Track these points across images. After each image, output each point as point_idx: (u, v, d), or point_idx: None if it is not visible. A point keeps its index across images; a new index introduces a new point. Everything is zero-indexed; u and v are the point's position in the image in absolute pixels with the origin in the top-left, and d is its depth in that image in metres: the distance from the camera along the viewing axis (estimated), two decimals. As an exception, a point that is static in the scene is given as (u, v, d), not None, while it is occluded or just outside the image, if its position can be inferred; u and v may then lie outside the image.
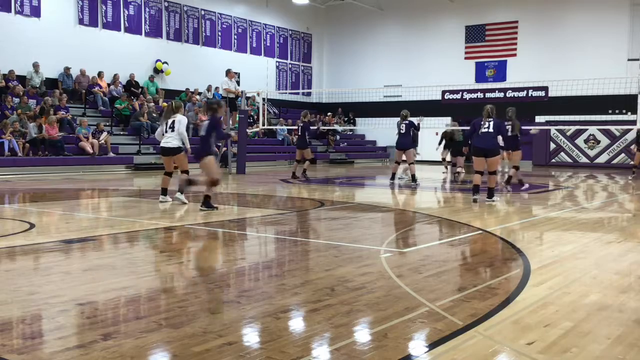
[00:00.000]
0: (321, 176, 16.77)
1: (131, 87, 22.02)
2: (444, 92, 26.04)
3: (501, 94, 25.32)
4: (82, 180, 15.00)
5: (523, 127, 13.47)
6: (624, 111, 22.51)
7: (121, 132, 20.26)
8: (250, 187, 13.47)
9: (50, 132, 17.20)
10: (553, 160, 25.03)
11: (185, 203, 9.56)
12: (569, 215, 9.05)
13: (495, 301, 4.14)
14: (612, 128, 22.80)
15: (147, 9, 23.24)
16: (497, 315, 3.82)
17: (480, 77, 27.00)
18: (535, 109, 24.92)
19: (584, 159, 24.54)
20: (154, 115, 20.82)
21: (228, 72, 17.96)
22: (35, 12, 19.87)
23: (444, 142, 17.86)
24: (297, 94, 29.81)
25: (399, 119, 14.27)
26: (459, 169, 16.52)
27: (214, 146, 9.29)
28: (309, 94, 30.89)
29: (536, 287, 4.54)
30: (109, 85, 21.58)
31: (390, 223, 8.76)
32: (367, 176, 18.70)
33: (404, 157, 14.30)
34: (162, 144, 9.78)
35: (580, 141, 24.74)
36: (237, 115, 18.00)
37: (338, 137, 28.27)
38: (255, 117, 23.17)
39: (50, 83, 20.20)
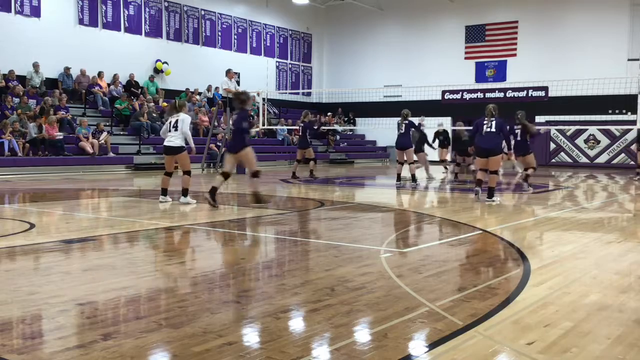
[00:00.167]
0: (321, 176, 16.76)
1: (131, 87, 22.03)
2: (444, 92, 26.04)
3: (501, 94, 25.31)
4: (82, 180, 15.01)
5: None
6: (624, 111, 22.51)
7: (121, 132, 20.27)
8: (251, 187, 13.43)
9: (50, 132, 17.21)
10: (553, 160, 25.03)
11: (188, 203, 9.54)
12: (569, 215, 9.05)
13: (495, 301, 4.14)
14: (612, 128, 22.81)
15: (147, 9, 23.25)
16: (497, 315, 3.82)
17: (480, 77, 27.01)
18: (535, 109, 24.89)
19: (584, 159, 24.55)
20: (154, 115, 20.84)
21: (228, 72, 17.97)
22: (35, 12, 19.88)
23: (437, 141, 17.90)
24: (297, 94, 29.82)
25: (399, 118, 14.25)
26: (472, 167, 16.43)
27: (248, 138, 9.36)
28: (309, 94, 30.89)
29: (536, 287, 4.54)
30: (109, 85, 21.59)
31: (390, 223, 8.75)
32: (367, 176, 18.70)
33: (409, 158, 14.28)
34: (165, 143, 9.70)
35: (580, 141, 24.75)
36: (237, 115, 17.99)
37: (338, 137, 28.28)
38: (255, 117, 23.17)
39: (50, 83, 20.21)
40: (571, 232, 7.36)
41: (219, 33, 26.05)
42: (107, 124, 19.74)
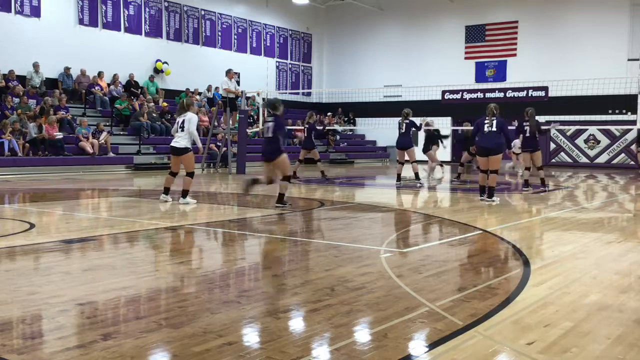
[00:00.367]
0: (321, 176, 16.75)
1: (131, 87, 22.02)
2: (444, 92, 26.03)
3: (501, 94, 25.30)
4: (82, 180, 15.00)
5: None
6: (624, 111, 22.50)
7: (121, 132, 20.27)
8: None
9: (50, 132, 17.21)
10: (553, 160, 25.03)
11: (187, 203, 9.53)
12: (569, 215, 9.05)
13: (495, 301, 4.14)
14: (612, 128, 22.81)
15: (147, 9, 23.24)
16: (497, 315, 3.82)
17: (480, 77, 27.00)
18: (535, 109, 24.80)
19: (584, 159, 24.55)
20: (154, 115, 20.84)
21: (228, 72, 17.97)
22: (35, 12, 19.87)
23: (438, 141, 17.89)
24: (297, 94, 29.80)
25: (400, 117, 14.22)
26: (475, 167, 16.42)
27: (284, 145, 9.37)
28: (309, 94, 30.89)
29: (536, 287, 4.54)
30: (108, 85, 21.58)
31: (390, 223, 8.75)
32: (367, 176, 18.70)
33: (411, 157, 14.26)
34: (171, 143, 9.69)
35: (580, 141, 24.74)
36: (237, 115, 18.02)
37: (338, 137, 28.27)
38: (255, 117, 23.15)
39: (50, 83, 20.20)
40: (571, 232, 7.36)
41: (219, 33, 26.05)
42: (107, 124, 19.73)
